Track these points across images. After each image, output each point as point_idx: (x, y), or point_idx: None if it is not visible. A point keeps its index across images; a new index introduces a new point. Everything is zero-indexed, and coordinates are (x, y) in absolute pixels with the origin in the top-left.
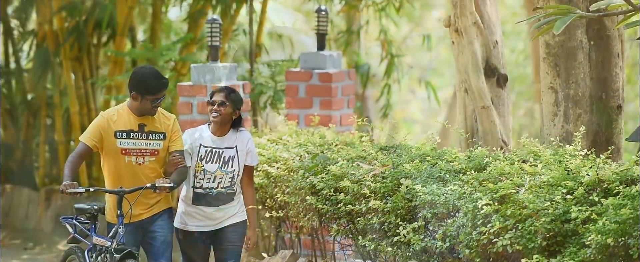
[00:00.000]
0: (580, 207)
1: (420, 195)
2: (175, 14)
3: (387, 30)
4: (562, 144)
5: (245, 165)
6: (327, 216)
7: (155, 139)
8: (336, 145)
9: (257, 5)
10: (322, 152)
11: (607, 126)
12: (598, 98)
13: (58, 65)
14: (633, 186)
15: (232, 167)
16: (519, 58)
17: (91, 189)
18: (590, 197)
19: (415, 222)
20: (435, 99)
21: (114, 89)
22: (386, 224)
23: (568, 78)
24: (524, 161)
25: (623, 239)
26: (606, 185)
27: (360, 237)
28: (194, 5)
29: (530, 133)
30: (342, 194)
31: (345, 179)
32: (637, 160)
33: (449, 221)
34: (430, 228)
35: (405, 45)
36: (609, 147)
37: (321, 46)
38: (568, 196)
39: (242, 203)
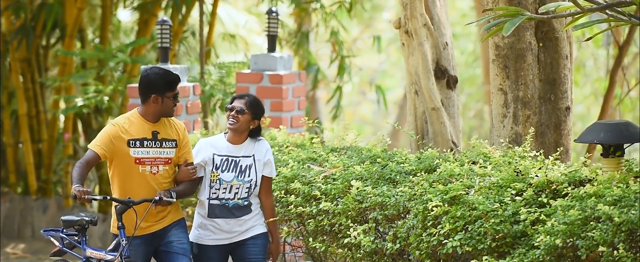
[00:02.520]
0: (529, 209)
1: (371, 197)
2: (125, 15)
3: (337, 32)
4: (511, 146)
5: (263, 176)
6: (278, 217)
7: (169, 147)
8: (287, 146)
9: (208, 7)
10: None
11: (556, 128)
12: (547, 99)
13: (5, 66)
14: (581, 187)
15: (249, 176)
16: (468, 60)
17: (108, 198)
18: (539, 199)
19: (366, 224)
20: (383, 102)
21: (63, 90)
22: (337, 225)
23: (517, 80)
24: (473, 163)
25: (571, 240)
26: (555, 186)
27: (310, 239)
28: (144, 7)
29: (480, 135)
30: (292, 196)
31: (296, 181)
32: (586, 161)
33: (399, 222)
34: (381, 230)
35: (356, 46)
36: (558, 149)
37: (272, 48)
38: (517, 198)
39: (260, 214)
